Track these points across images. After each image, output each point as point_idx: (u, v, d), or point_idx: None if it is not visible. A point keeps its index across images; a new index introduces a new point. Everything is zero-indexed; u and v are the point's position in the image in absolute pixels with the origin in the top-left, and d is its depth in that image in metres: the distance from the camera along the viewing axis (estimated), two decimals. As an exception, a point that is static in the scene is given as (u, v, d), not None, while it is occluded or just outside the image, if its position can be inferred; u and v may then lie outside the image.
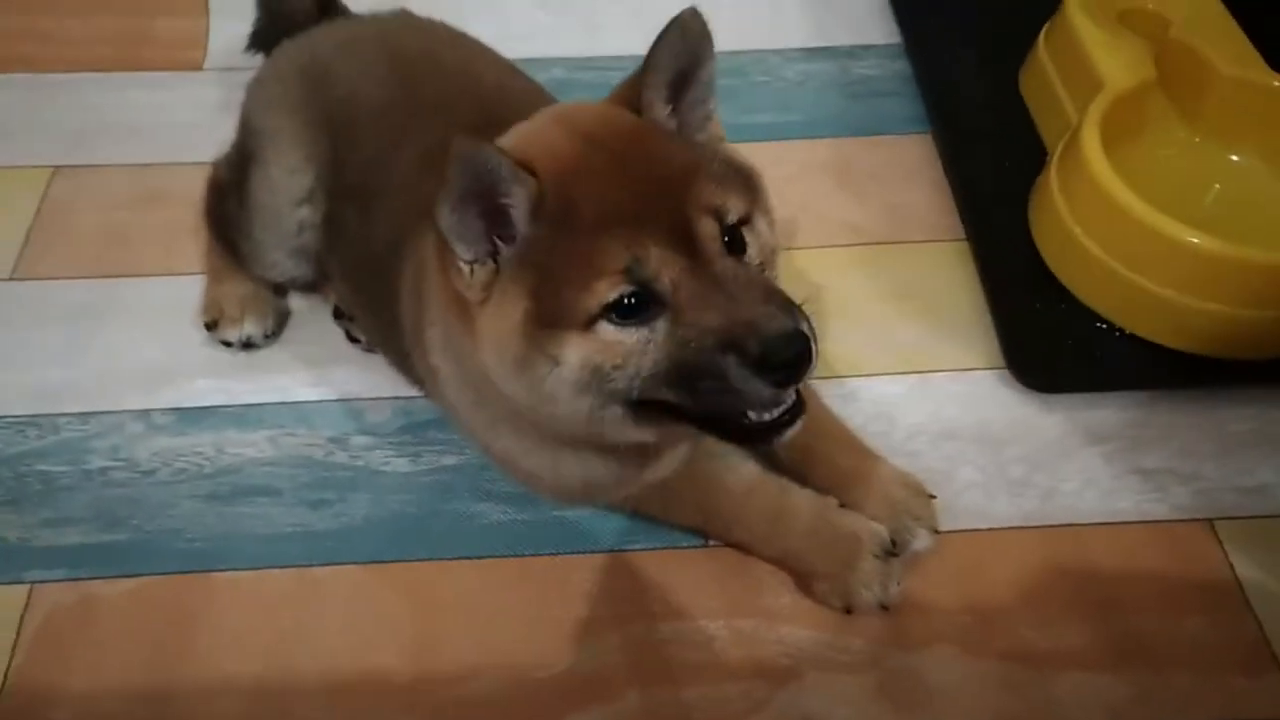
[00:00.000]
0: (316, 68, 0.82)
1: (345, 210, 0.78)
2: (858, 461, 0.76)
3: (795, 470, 0.76)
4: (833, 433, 0.77)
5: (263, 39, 0.98)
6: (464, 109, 0.75)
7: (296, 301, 0.90)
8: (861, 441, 0.77)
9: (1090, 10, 0.97)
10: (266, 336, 0.86)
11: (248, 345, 0.86)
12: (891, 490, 0.75)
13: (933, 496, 0.75)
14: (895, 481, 0.75)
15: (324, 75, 0.81)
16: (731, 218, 0.58)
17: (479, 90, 0.78)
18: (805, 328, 0.56)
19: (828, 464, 0.75)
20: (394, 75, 0.79)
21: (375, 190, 0.75)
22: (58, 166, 1.00)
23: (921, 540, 0.74)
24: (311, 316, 0.89)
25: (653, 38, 0.91)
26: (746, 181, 0.61)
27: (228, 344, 0.86)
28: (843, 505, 0.74)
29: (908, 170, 1.02)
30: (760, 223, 0.60)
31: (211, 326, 0.86)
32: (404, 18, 0.87)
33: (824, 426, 0.77)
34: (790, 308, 0.56)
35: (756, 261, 0.59)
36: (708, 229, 0.57)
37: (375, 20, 0.88)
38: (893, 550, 0.72)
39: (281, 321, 0.88)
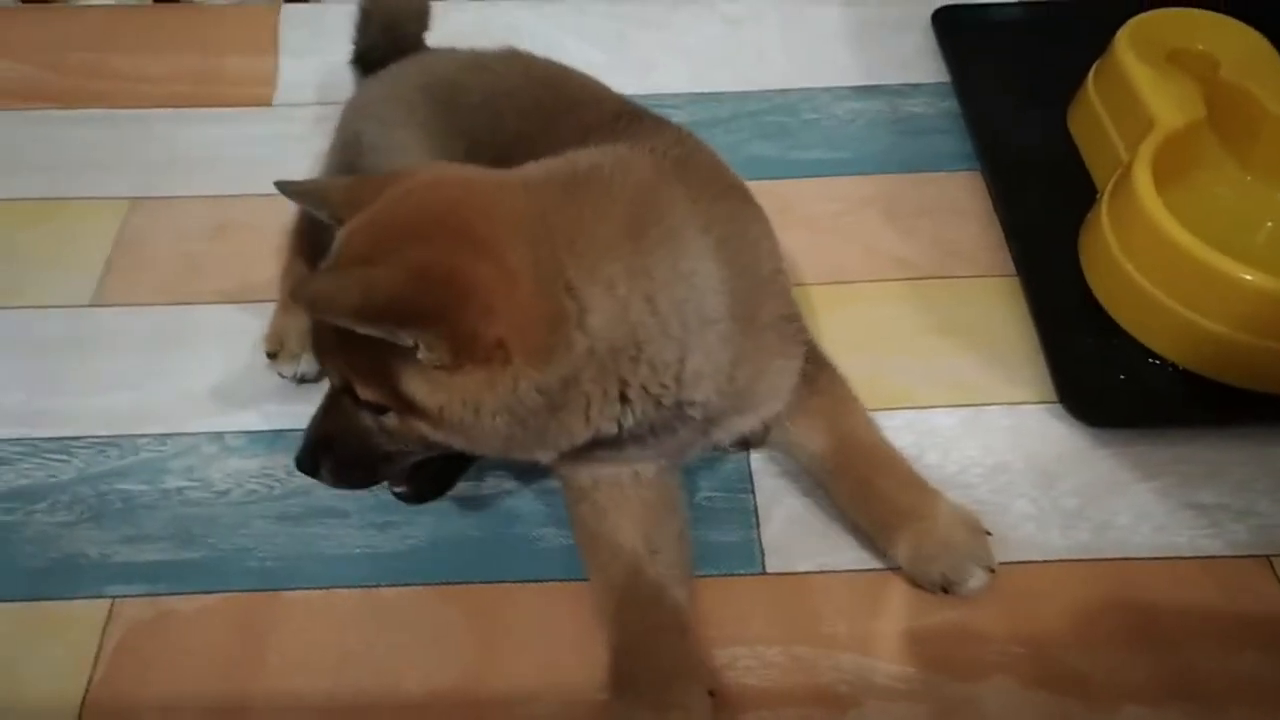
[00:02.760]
0: (442, 84, 0.89)
1: None
2: (917, 499, 0.77)
3: (850, 505, 0.78)
4: (893, 469, 0.78)
5: (365, 63, 1.03)
6: (607, 101, 0.85)
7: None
8: (921, 478, 0.78)
9: (1140, 50, 0.99)
10: (321, 373, 0.86)
11: (303, 380, 0.88)
12: (953, 532, 0.76)
13: (988, 534, 0.76)
14: (956, 522, 0.76)
15: (453, 88, 0.88)
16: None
17: (608, 92, 0.87)
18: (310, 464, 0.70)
19: (885, 501, 0.77)
20: (532, 81, 0.87)
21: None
22: (135, 198, 1.04)
23: (977, 580, 0.75)
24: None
25: (702, 76, 0.94)
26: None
27: (283, 375, 0.88)
28: (894, 543, 0.76)
29: (956, 207, 1.03)
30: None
31: (272, 356, 0.88)
32: (512, 49, 0.93)
33: (884, 461, 0.78)
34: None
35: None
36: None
37: (486, 50, 0.93)
38: (946, 589, 0.74)
39: None
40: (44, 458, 0.84)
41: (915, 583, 0.76)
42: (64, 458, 0.84)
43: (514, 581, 0.77)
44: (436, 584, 0.77)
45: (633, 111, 0.84)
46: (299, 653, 0.73)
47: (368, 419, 0.66)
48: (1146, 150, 0.89)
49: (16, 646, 0.73)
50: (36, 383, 0.89)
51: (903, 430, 0.85)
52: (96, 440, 0.85)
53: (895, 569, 0.77)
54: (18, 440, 0.85)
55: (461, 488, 0.81)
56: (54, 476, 0.82)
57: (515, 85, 0.87)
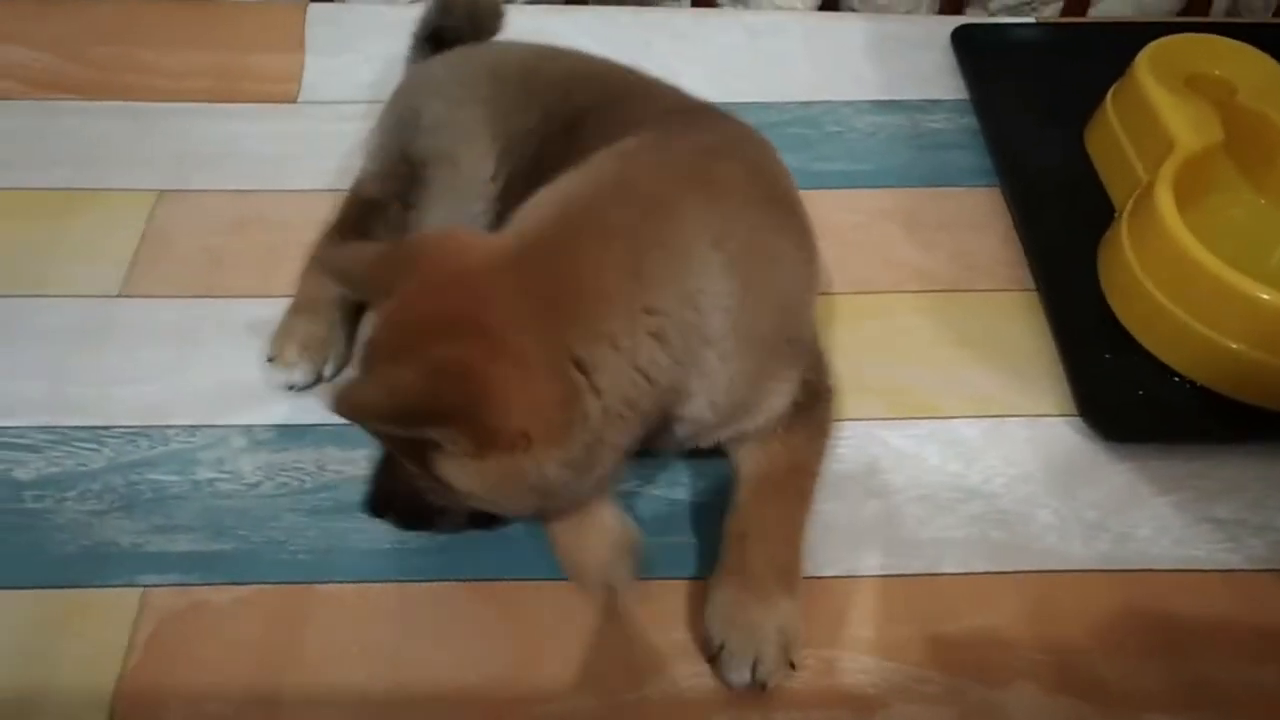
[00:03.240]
0: (511, 65, 0.94)
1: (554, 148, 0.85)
2: (770, 584, 0.73)
3: (726, 527, 0.76)
4: (779, 543, 0.75)
5: (434, 43, 1.06)
6: (667, 98, 0.90)
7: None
8: (794, 571, 0.74)
9: (1159, 74, 1.01)
10: (314, 384, 0.88)
11: (291, 388, 0.88)
12: (769, 623, 0.71)
13: (791, 665, 0.72)
14: (779, 621, 0.72)
15: (524, 69, 0.93)
16: None
17: (673, 90, 0.91)
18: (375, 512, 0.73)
19: (744, 557, 0.74)
20: (596, 68, 0.93)
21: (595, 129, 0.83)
22: (162, 191, 1.04)
23: (740, 675, 0.70)
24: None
25: (725, 86, 0.96)
26: None
27: (275, 382, 0.88)
28: (717, 585, 0.73)
29: (976, 221, 1.05)
30: None
31: (270, 359, 0.88)
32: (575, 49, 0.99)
33: (778, 527, 0.76)
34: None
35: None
36: None
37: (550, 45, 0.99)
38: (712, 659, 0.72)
39: (339, 367, 0.89)
40: (73, 446, 0.84)
41: (702, 630, 0.73)
42: (94, 447, 0.84)
43: (546, 579, 0.77)
44: (469, 580, 0.77)
45: (694, 107, 0.86)
46: (331, 646, 0.74)
47: (420, 479, 0.69)
48: (1168, 171, 0.91)
49: (49, 633, 0.73)
50: (65, 372, 0.89)
51: (926, 440, 0.87)
52: (126, 430, 0.85)
53: (914, 575, 0.78)
54: (47, 428, 0.85)
55: (492, 486, 0.83)
56: (84, 465, 0.83)
57: (583, 69, 0.93)
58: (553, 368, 0.64)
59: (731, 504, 0.77)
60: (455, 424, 0.62)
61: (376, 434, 0.69)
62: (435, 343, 0.63)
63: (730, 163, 0.78)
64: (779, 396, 0.77)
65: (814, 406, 0.80)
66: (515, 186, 0.86)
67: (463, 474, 0.65)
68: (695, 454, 0.84)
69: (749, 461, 0.79)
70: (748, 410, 0.76)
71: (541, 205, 0.72)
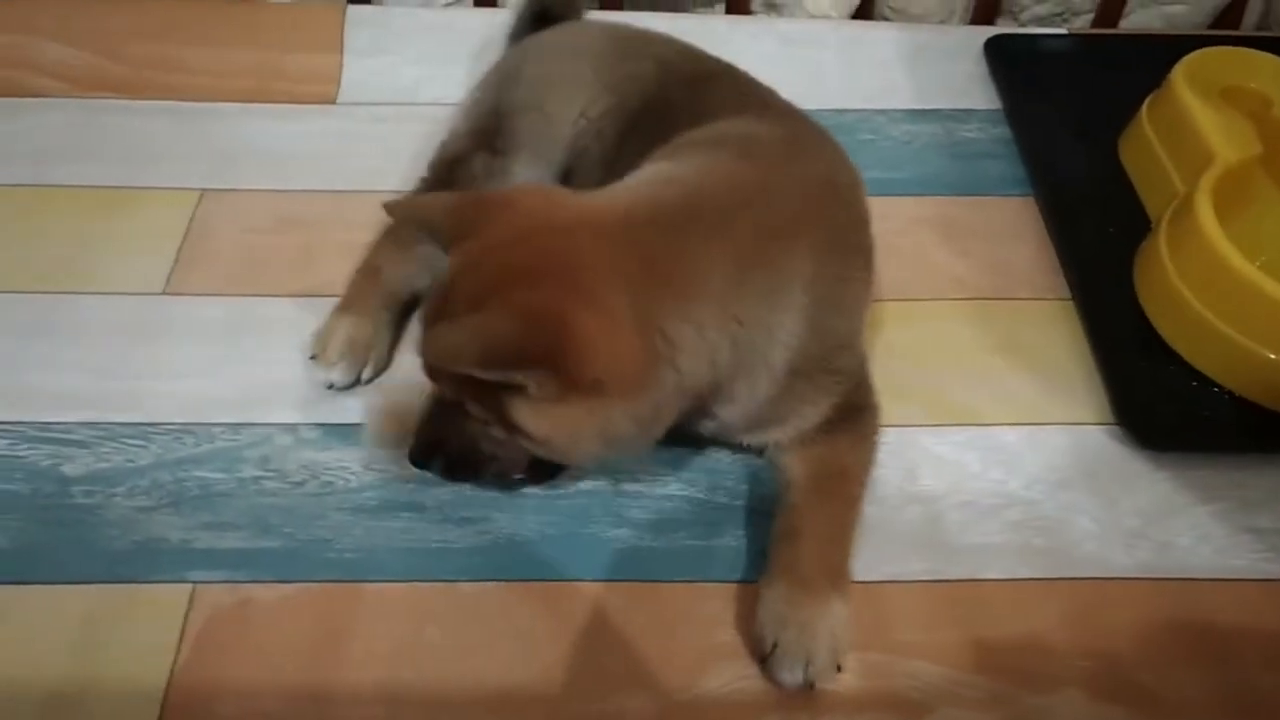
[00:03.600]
0: (603, 30, 1.04)
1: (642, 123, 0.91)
2: (822, 579, 0.73)
3: (775, 532, 0.77)
4: (831, 540, 0.76)
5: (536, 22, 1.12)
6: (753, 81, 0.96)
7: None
8: (841, 565, 0.75)
9: (1196, 86, 1.02)
10: (352, 385, 0.88)
11: (331, 387, 0.88)
12: (820, 623, 0.72)
13: (839, 669, 0.72)
14: (831, 620, 0.72)
15: (616, 34, 1.03)
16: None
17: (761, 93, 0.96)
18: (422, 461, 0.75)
19: (796, 556, 0.74)
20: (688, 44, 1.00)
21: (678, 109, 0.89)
22: (204, 190, 1.05)
23: (794, 675, 0.71)
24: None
25: None
26: None
27: (316, 379, 0.88)
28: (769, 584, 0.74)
29: (1011, 230, 1.06)
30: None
31: (313, 357, 0.89)
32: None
33: (828, 525, 0.76)
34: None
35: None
36: None
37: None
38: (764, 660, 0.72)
39: (378, 371, 0.89)
40: (121, 442, 0.84)
41: (754, 630, 0.73)
42: (141, 443, 0.84)
43: (591, 580, 0.78)
44: (515, 580, 0.78)
45: (784, 107, 0.92)
46: (379, 644, 0.74)
47: (475, 427, 0.72)
48: (1207, 182, 0.92)
49: (102, 626, 0.74)
50: (111, 368, 0.89)
51: (966, 446, 0.87)
52: (172, 427, 0.86)
53: (958, 581, 0.79)
54: (94, 424, 0.85)
55: (534, 487, 0.83)
56: (131, 461, 0.83)
57: (677, 44, 0.99)
58: (641, 330, 0.67)
59: (782, 505, 0.78)
60: (546, 367, 0.64)
61: (452, 379, 0.70)
62: (528, 288, 0.66)
63: (837, 199, 0.82)
64: (808, 416, 0.79)
65: (856, 418, 0.82)
66: (599, 141, 0.93)
67: (539, 418, 0.68)
68: (741, 458, 0.85)
69: (795, 466, 0.80)
70: (773, 423, 0.79)
71: (659, 181, 0.75)
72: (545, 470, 0.78)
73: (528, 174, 0.95)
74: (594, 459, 0.76)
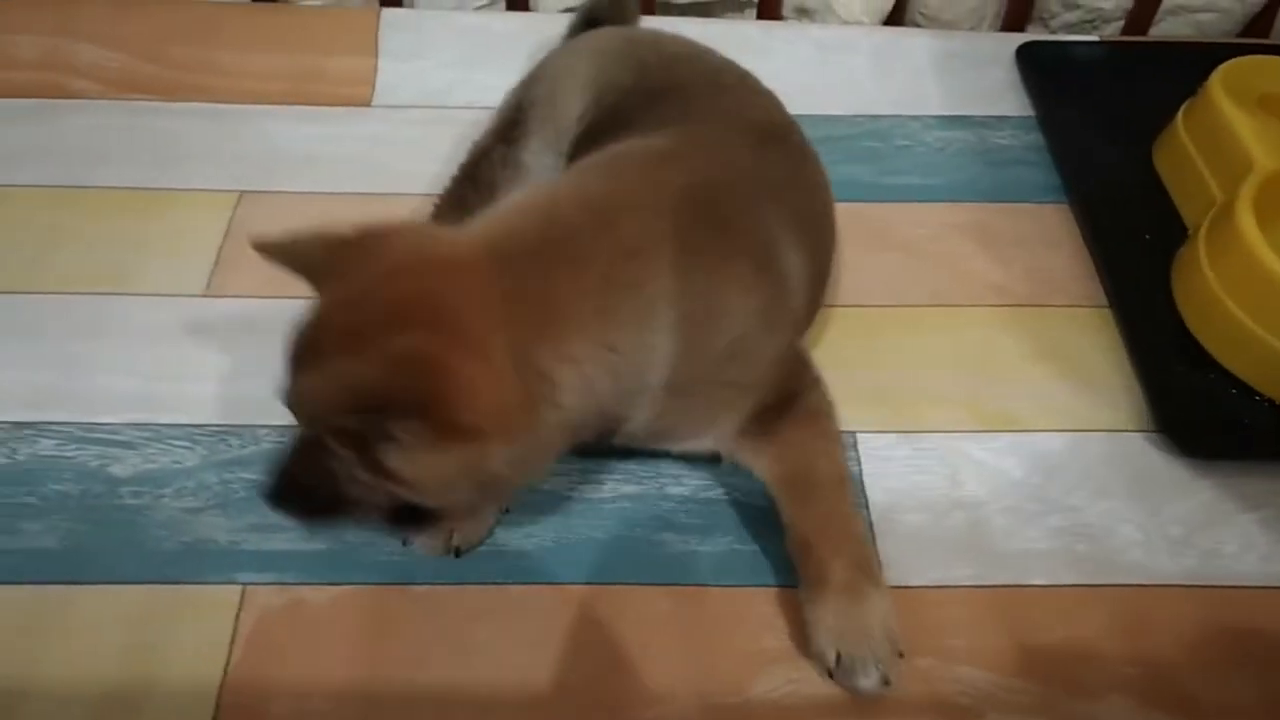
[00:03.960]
0: (618, 35, 1.06)
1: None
2: (851, 574, 0.73)
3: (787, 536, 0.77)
4: (837, 537, 0.75)
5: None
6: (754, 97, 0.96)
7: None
8: (862, 555, 0.75)
9: (1233, 94, 1.02)
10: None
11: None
12: (873, 621, 0.72)
13: (900, 654, 0.73)
14: (880, 613, 0.73)
15: (630, 38, 1.05)
16: None
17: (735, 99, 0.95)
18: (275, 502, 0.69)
19: (816, 562, 0.74)
20: (711, 54, 1.00)
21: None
22: (243, 192, 1.06)
23: (870, 680, 0.71)
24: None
25: (794, 99, 0.99)
26: None
27: None
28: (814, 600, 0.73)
29: (1047, 237, 1.06)
30: None
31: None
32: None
33: (827, 523, 0.76)
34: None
35: None
36: None
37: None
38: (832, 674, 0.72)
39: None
40: (168, 443, 0.85)
41: (814, 650, 0.73)
42: (187, 445, 0.85)
43: (636, 584, 0.78)
44: (562, 583, 0.78)
45: (761, 121, 0.91)
46: (427, 646, 0.75)
47: (341, 469, 0.66)
48: (1248, 190, 0.92)
49: (154, 627, 0.74)
50: (155, 369, 0.90)
51: (1007, 452, 0.88)
52: (217, 428, 0.86)
53: (1003, 587, 0.79)
54: (141, 425, 0.86)
55: (581, 490, 0.84)
56: (179, 462, 0.83)
57: (687, 52, 0.99)
58: (518, 371, 0.65)
59: (783, 521, 0.77)
60: (419, 416, 0.62)
61: (314, 423, 0.67)
62: (399, 330, 0.62)
63: (700, 207, 0.77)
64: (721, 425, 0.78)
65: (798, 411, 0.80)
66: (592, 135, 0.92)
67: (412, 465, 0.64)
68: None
69: (761, 469, 0.79)
70: (688, 436, 0.79)
71: (521, 211, 0.73)
72: (413, 518, 0.71)
73: (536, 162, 0.98)
74: (469, 504, 0.73)
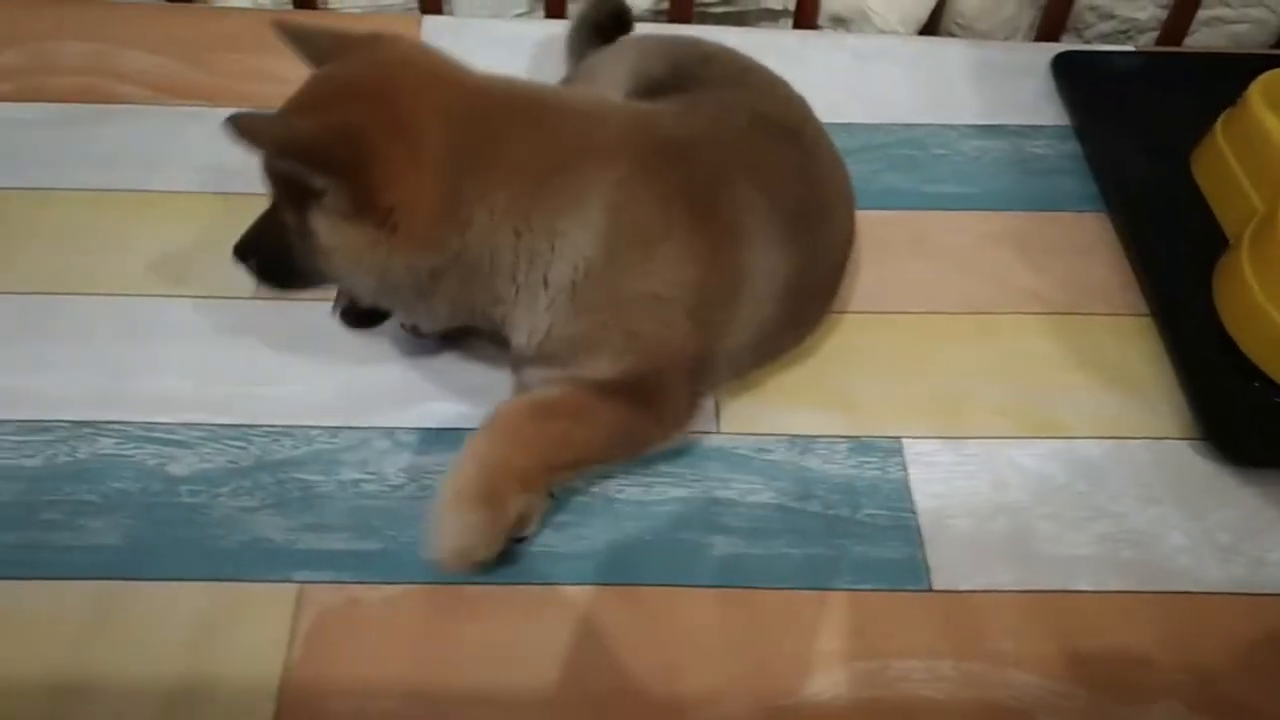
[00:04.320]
0: (661, 36, 1.12)
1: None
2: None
3: None
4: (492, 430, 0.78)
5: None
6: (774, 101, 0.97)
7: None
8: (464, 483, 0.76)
9: (1273, 104, 1.02)
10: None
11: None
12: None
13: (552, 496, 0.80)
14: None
15: (672, 39, 1.07)
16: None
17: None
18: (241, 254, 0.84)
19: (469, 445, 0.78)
20: (742, 57, 1.01)
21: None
22: (290, 196, 1.07)
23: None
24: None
25: (832, 107, 1.00)
26: None
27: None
28: None
29: (1085, 246, 1.07)
30: None
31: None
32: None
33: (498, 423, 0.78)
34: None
35: None
36: None
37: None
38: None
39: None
40: (223, 443, 0.86)
41: None
42: (242, 444, 0.86)
43: (688, 586, 0.79)
44: (614, 584, 0.79)
45: (769, 112, 0.91)
46: (484, 646, 0.76)
47: (290, 235, 0.77)
48: (1292, 201, 0.93)
49: (215, 624, 0.75)
50: (208, 371, 0.91)
51: (1050, 458, 0.88)
52: (271, 429, 0.87)
53: (1050, 591, 0.80)
54: (196, 425, 0.87)
55: (630, 493, 0.85)
56: (234, 462, 0.85)
57: (723, 55, 1.00)
58: (443, 182, 0.73)
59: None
60: (339, 176, 0.71)
61: (276, 180, 0.77)
62: (351, 103, 0.73)
63: (697, 168, 0.80)
64: (591, 369, 0.78)
65: (636, 401, 0.79)
66: None
67: (330, 230, 0.74)
68: (836, 467, 0.86)
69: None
70: (560, 364, 0.79)
71: (524, 83, 0.84)
72: (356, 310, 0.88)
73: None
74: (371, 295, 0.80)
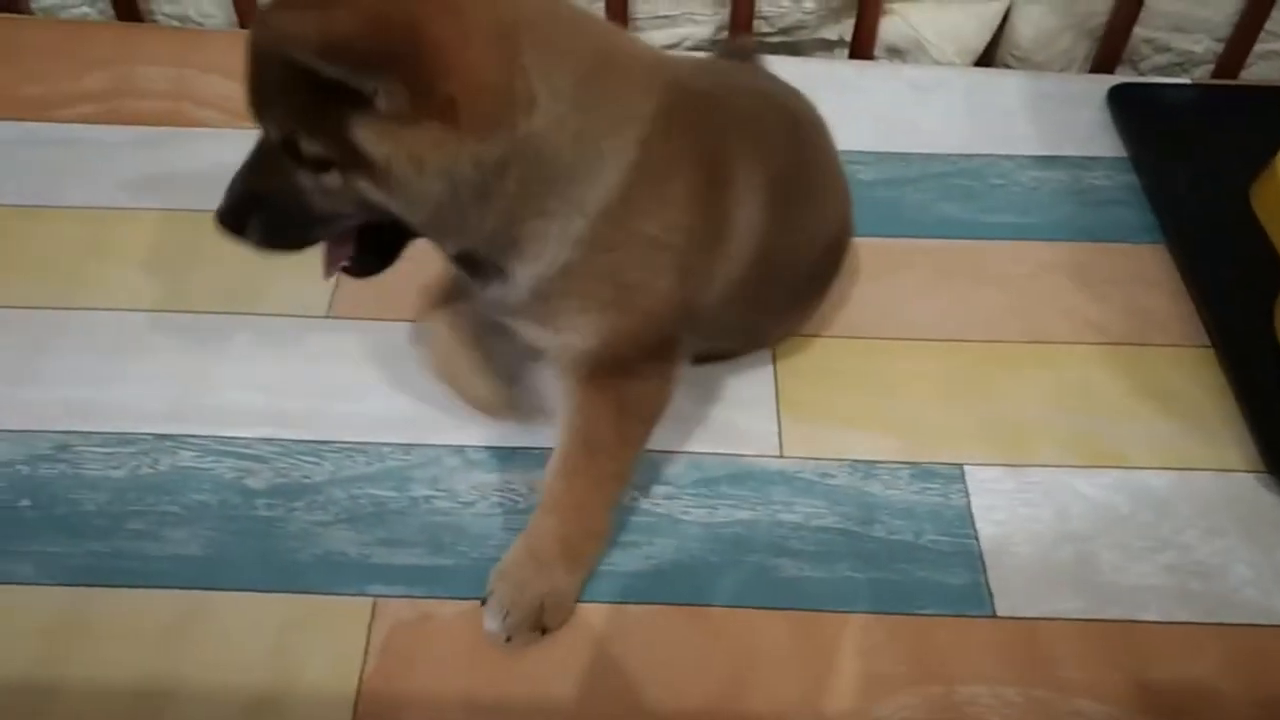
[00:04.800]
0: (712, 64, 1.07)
1: None
2: (545, 544, 0.79)
3: None
4: (562, 510, 0.79)
5: None
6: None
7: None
8: (577, 539, 0.80)
9: (1335, 139, 1.03)
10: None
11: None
12: (530, 583, 0.77)
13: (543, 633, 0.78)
14: (536, 589, 0.77)
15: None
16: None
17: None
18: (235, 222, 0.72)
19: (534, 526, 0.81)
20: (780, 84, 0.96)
21: None
22: (360, 219, 1.10)
23: (490, 622, 0.77)
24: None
25: (889, 137, 0.98)
26: None
27: None
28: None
29: (1145, 277, 1.07)
30: None
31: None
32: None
33: (558, 499, 0.79)
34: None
35: None
36: None
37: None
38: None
39: None
40: (297, 458, 0.88)
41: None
42: (315, 460, 0.88)
43: (754, 607, 0.80)
44: (680, 604, 0.80)
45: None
46: (552, 663, 0.77)
47: (305, 177, 0.66)
48: (1356, 235, 0.93)
49: (294, 635, 0.77)
50: (282, 387, 0.94)
51: (1113, 489, 0.89)
52: (343, 445, 0.89)
53: (1116, 621, 0.80)
54: (270, 440, 0.89)
55: (695, 514, 0.86)
56: (308, 477, 0.87)
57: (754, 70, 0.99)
58: (501, 59, 0.64)
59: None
60: (395, 70, 0.60)
61: (283, 107, 0.65)
62: None
63: (707, 117, 0.77)
64: (575, 330, 0.75)
65: (624, 386, 0.78)
66: None
67: (383, 140, 0.62)
68: (897, 493, 0.87)
69: (562, 417, 0.80)
70: (548, 317, 0.76)
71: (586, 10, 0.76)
72: (374, 250, 0.74)
73: None
74: (432, 209, 0.67)
